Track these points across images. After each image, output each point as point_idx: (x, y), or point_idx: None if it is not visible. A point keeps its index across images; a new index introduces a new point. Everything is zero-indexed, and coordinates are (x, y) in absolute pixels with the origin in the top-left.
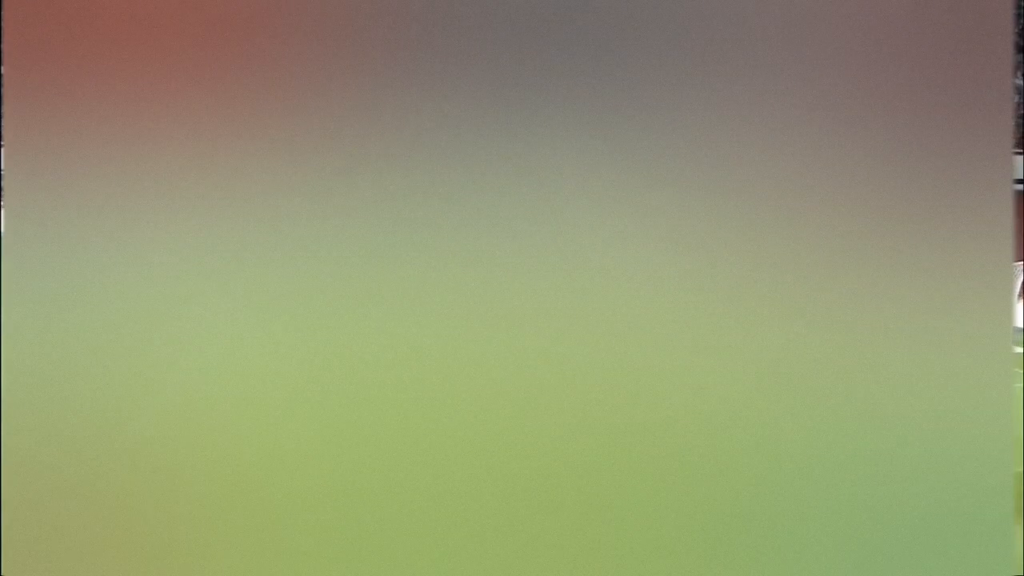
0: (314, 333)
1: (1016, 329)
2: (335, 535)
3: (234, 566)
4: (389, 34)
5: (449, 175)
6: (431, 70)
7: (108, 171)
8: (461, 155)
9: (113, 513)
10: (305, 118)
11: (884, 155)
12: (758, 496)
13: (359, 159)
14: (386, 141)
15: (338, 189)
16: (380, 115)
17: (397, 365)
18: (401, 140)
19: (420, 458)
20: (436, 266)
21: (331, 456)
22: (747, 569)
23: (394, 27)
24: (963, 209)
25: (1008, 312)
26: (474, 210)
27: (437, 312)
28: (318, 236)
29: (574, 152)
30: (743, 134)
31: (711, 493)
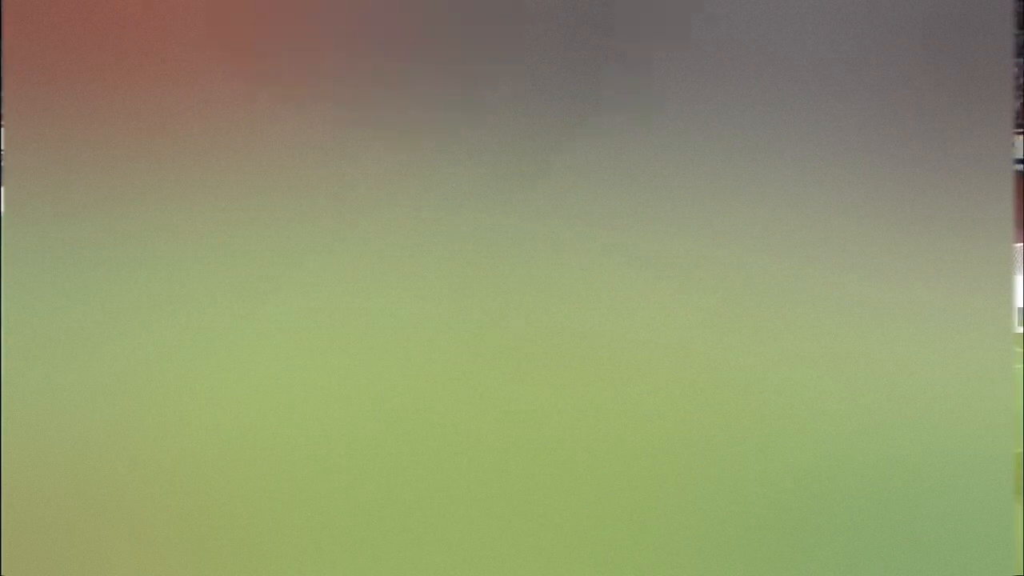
0: (316, 333)
1: (1017, 310)
2: (339, 537)
3: (235, 566)
4: (392, 35)
5: (451, 175)
6: (435, 70)
7: (109, 169)
8: (463, 154)
9: (113, 513)
10: (308, 117)
11: (882, 138)
12: (756, 480)
13: (361, 158)
14: (387, 142)
15: (341, 188)
16: (381, 116)
17: (401, 368)
18: (402, 140)
19: (425, 461)
20: (438, 267)
21: (334, 457)
22: (747, 547)
23: (397, 28)
24: (963, 190)
25: (1008, 293)
26: (476, 210)
27: (439, 313)
28: (321, 235)
29: (579, 151)
30: (743, 125)
31: (713, 469)
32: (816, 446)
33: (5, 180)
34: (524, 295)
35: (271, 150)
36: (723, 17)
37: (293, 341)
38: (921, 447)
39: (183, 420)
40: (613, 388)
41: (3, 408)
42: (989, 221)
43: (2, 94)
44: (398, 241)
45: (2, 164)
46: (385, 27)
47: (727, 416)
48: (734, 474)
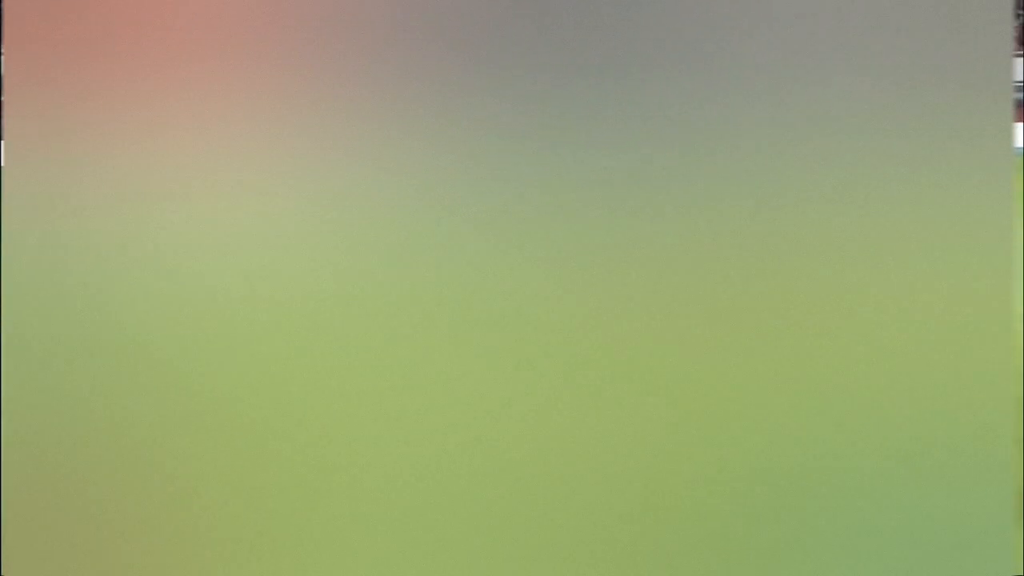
0: (317, 334)
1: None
2: (342, 539)
3: (235, 566)
4: (392, 34)
5: (452, 175)
6: (435, 69)
7: (109, 169)
8: (463, 154)
9: (113, 513)
10: (309, 116)
11: (883, 131)
12: (754, 481)
13: (362, 158)
14: (389, 142)
15: (341, 187)
16: (381, 115)
17: (400, 367)
18: (404, 140)
19: (426, 461)
20: (440, 267)
21: (336, 457)
22: (745, 547)
23: (397, 27)
24: (965, 180)
25: (1009, 285)
26: (476, 210)
27: (440, 314)
28: (321, 235)
29: (579, 151)
30: (742, 118)
31: (710, 468)
32: (816, 445)
33: (5, 180)
34: (524, 294)
35: (272, 149)
36: (726, 13)
37: (295, 341)
38: (921, 446)
39: (183, 420)
40: (613, 388)
41: (3, 408)
42: (991, 213)
43: (2, 94)
44: (398, 241)
45: (2, 163)
46: (385, 27)
47: (726, 412)
48: (732, 473)
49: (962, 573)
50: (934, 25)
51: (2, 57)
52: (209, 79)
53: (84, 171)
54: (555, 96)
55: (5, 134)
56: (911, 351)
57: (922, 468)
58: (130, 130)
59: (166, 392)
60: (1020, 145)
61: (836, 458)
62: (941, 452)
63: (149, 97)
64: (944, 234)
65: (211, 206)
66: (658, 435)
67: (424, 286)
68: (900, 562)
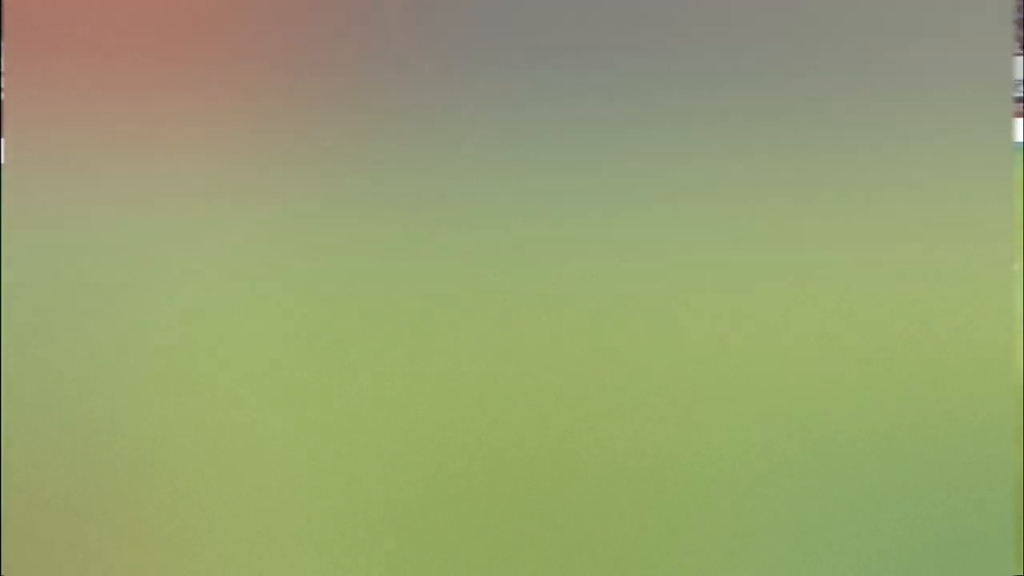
0: (317, 335)
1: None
2: (340, 541)
3: (235, 566)
4: (390, 32)
5: (451, 174)
6: (432, 67)
7: (109, 169)
8: (463, 153)
9: (113, 513)
10: (309, 116)
11: (884, 127)
12: (752, 479)
13: (361, 157)
14: (387, 141)
15: (340, 187)
16: (381, 115)
17: (401, 367)
18: (403, 139)
19: (428, 464)
20: (438, 266)
21: (337, 460)
22: (743, 546)
23: (395, 26)
24: (963, 177)
25: (1008, 283)
26: (475, 209)
27: (439, 313)
28: (321, 235)
29: (577, 149)
30: (743, 116)
31: (705, 474)
32: (814, 444)
33: (5, 180)
34: (524, 294)
35: (272, 149)
36: (726, 10)
37: (295, 342)
38: (920, 445)
39: (183, 419)
40: (614, 388)
41: (3, 408)
42: (991, 209)
43: (2, 94)
44: (398, 240)
45: (2, 163)
46: (382, 27)
47: (725, 411)
48: (729, 472)
49: (962, 573)
50: (934, 22)
51: (2, 56)
52: (209, 79)
53: (84, 171)
54: (552, 95)
55: (5, 134)
56: (909, 348)
57: (922, 467)
58: (130, 129)
59: (166, 392)
60: (1020, 141)
61: (835, 457)
62: (941, 451)
63: (150, 96)
64: (944, 230)
65: (211, 206)
66: (657, 434)
67: (422, 285)
68: (899, 562)
